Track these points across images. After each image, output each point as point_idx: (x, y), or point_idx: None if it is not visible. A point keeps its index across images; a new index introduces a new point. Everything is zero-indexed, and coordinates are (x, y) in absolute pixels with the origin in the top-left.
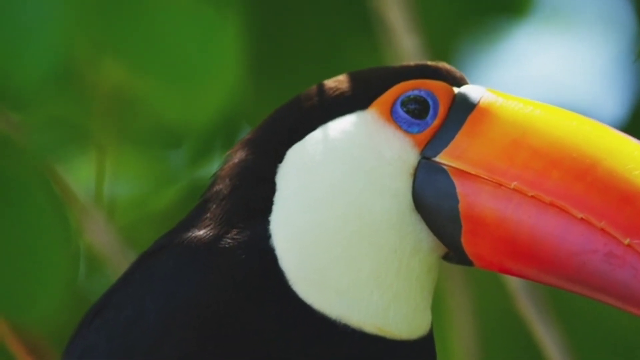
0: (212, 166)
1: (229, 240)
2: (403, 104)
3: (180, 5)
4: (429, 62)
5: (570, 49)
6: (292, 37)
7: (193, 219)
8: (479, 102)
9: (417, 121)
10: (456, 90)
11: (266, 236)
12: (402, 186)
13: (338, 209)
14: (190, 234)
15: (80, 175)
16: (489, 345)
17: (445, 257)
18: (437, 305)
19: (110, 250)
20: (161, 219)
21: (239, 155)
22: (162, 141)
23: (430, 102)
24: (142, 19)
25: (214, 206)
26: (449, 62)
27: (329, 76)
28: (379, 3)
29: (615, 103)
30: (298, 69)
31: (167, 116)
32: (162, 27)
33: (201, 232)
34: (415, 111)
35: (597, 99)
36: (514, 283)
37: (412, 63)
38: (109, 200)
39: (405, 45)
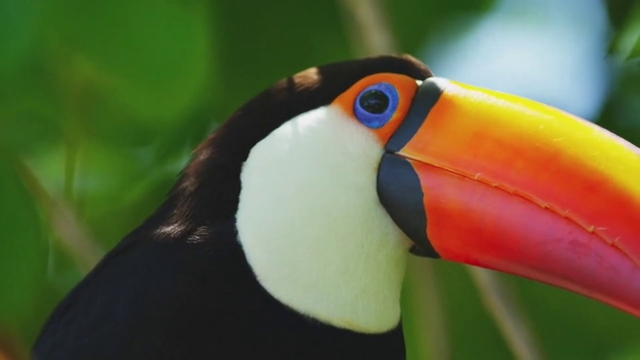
0: (181, 162)
1: (197, 237)
2: (363, 100)
3: (150, 2)
4: (393, 55)
5: (540, 45)
6: (262, 34)
7: (161, 216)
8: (441, 94)
9: (376, 115)
10: (419, 83)
11: (233, 233)
12: (367, 181)
13: (303, 205)
14: (158, 231)
15: (50, 171)
16: (459, 341)
17: (412, 250)
18: (407, 301)
19: (79, 245)
20: (130, 214)
21: (205, 153)
22: (132, 137)
23: (390, 96)
24: (113, 16)
25: (181, 204)
26: (419, 58)
27: (299, 72)
28: (348, 0)
29: (585, 99)
30: (268, 65)
31: (136, 112)
32: (132, 24)
33: (169, 229)
34: (375, 106)
35: (567, 95)
36: (483, 279)
37: (376, 57)
38: (78, 196)
39: (375, 41)
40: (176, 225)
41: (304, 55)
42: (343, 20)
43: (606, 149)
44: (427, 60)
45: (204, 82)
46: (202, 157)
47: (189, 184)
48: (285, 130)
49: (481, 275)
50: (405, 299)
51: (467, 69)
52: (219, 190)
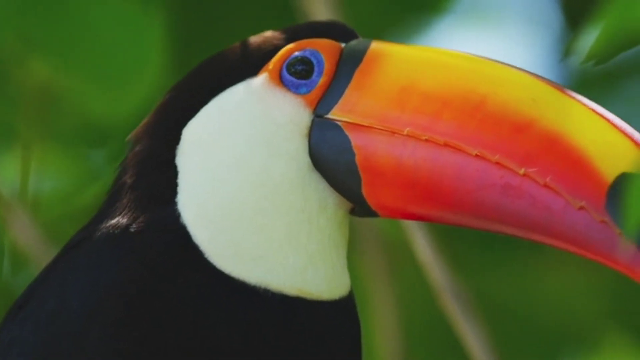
0: None
1: (141, 225)
2: (289, 67)
3: (106, 4)
4: (316, 21)
5: (497, 46)
6: (217, 34)
7: (105, 212)
8: (365, 54)
9: (304, 81)
10: (343, 45)
11: (176, 216)
12: (298, 147)
13: (239, 178)
14: (104, 224)
15: (5, 172)
16: (413, 342)
17: (352, 212)
18: (362, 303)
19: (34, 246)
20: (85, 215)
21: (138, 143)
22: (87, 139)
23: (315, 61)
24: (68, 17)
25: (122, 197)
26: None
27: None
28: (304, 0)
29: None
30: None
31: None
32: (87, 25)
33: (114, 222)
34: (302, 72)
35: None
36: (438, 280)
37: (299, 24)
38: (33, 197)
39: None
40: (120, 217)
41: None
42: (298, 21)
43: (532, 90)
44: None
45: (158, 82)
46: (137, 148)
47: (127, 177)
48: (213, 107)
49: (436, 277)
50: (361, 301)
51: None
52: (157, 178)
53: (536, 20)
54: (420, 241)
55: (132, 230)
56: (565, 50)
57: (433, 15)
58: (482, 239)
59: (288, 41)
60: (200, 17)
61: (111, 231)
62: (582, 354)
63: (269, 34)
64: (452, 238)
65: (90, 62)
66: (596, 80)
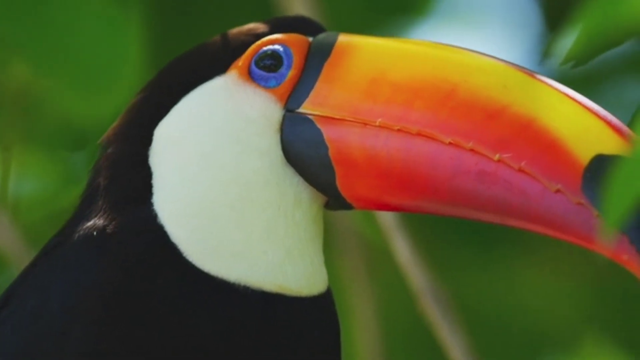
0: None
1: (118, 226)
2: (258, 61)
3: (83, 6)
4: (283, 16)
5: (476, 48)
6: (195, 35)
7: (81, 214)
8: (334, 47)
9: (273, 74)
10: (311, 39)
11: (153, 216)
12: (271, 142)
13: (214, 176)
14: (81, 226)
15: None
16: (393, 346)
17: (327, 205)
18: (342, 304)
19: (14, 249)
20: (65, 218)
21: (111, 146)
22: (67, 141)
23: (283, 55)
24: (46, 20)
25: (97, 198)
26: None
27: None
28: (283, 1)
29: None
30: None
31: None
32: (65, 28)
33: (91, 223)
34: (271, 66)
35: None
36: (417, 284)
37: (267, 20)
38: (13, 199)
39: None
40: (97, 218)
41: None
42: None
43: (503, 77)
44: None
45: (137, 83)
46: (109, 150)
47: (101, 179)
48: (184, 105)
49: (416, 280)
50: (340, 305)
51: None
52: (131, 179)
53: (516, 22)
54: (399, 243)
55: (109, 231)
56: (545, 51)
57: (413, 17)
58: (462, 241)
59: (256, 37)
60: (178, 16)
61: (89, 232)
62: (560, 357)
63: (236, 31)
64: (431, 240)
65: (69, 64)
66: (576, 82)
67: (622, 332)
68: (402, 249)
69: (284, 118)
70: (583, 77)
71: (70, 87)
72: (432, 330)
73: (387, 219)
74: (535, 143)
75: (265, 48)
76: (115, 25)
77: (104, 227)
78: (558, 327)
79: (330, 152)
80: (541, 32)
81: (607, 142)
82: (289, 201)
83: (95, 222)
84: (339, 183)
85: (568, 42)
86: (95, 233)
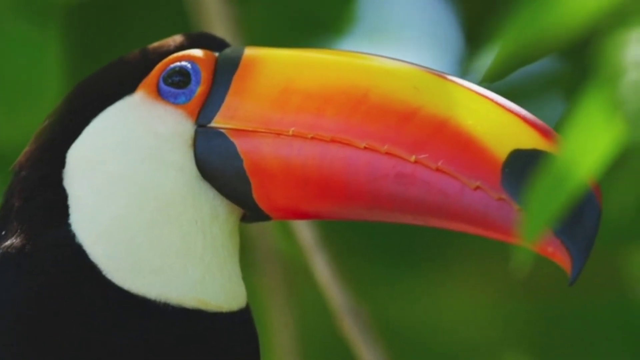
0: None
1: (37, 245)
2: (167, 79)
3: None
4: (187, 33)
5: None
6: (116, 52)
7: None
8: (241, 60)
9: (182, 90)
10: (217, 54)
11: (71, 236)
12: (184, 158)
13: (129, 195)
14: None
15: None
16: None
17: (243, 218)
18: (261, 323)
19: None
20: None
21: (23, 169)
22: None
23: (191, 71)
24: None
25: (12, 222)
26: None
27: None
28: (203, 19)
29: None
30: None
31: None
32: None
33: (8, 243)
34: (179, 83)
35: None
36: (336, 302)
37: (172, 38)
38: None
39: None
40: (13, 239)
41: None
42: None
43: (413, 79)
44: None
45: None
46: (22, 174)
47: (15, 202)
48: (94, 127)
49: (335, 298)
50: (259, 323)
51: None
52: (46, 203)
53: (436, 39)
54: (319, 261)
55: (27, 250)
56: (464, 69)
57: (334, 36)
58: (381, 259)
59: (162, 55)
60: (97, 36)
61: (6, 251)
62: None
63: (142, 49)
64: (351, 258)
65: None
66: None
67: (541, 349)
68: (322, 267)
69: (196, 133)
70: (504, 93)
71: None
72: (352, 349)
73: (306, 237)
74: (451, 142)
75: (172, 65)
76: (34, 47)
77: (22, 247)
78: (477, 344)
79: (245, 164)
80: (461, 48)
81: (523, 137)
82: (206, 216)
83: (13, 241)
84: (255, 194)
85: (487, 58)
86: (13, 252)
